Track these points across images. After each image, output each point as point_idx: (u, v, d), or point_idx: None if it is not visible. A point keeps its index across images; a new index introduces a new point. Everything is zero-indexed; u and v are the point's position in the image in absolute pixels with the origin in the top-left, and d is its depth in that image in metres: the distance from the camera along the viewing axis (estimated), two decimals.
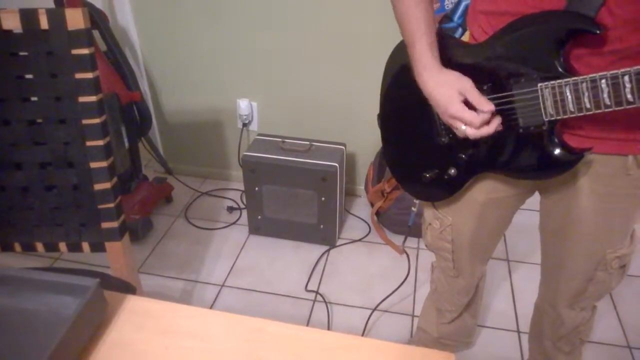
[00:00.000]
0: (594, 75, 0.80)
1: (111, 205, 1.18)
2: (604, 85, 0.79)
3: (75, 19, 1.02)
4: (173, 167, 2.69)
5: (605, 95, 0.79)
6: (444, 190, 1.13)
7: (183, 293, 2.04)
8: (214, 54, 2.34)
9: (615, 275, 1.13)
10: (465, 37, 1.08)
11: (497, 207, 1.16)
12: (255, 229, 2.30)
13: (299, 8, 2.15)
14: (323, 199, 2.13)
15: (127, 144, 2.23)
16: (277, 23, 2.21)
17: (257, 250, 2.25)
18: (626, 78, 0.76)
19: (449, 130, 1.01)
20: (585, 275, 1.13)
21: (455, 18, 1.06)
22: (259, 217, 2.26)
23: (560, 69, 0.84)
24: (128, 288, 1.21)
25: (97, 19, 2.05)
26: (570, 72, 0.84)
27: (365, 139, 2.35)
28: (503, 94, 0.91)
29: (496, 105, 0.92)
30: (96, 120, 1.10)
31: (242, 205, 2.51)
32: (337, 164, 2.08)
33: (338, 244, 2.29)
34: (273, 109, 2.45)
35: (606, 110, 0.80)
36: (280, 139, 2.21)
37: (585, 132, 0.93)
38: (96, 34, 2.07)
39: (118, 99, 2.10)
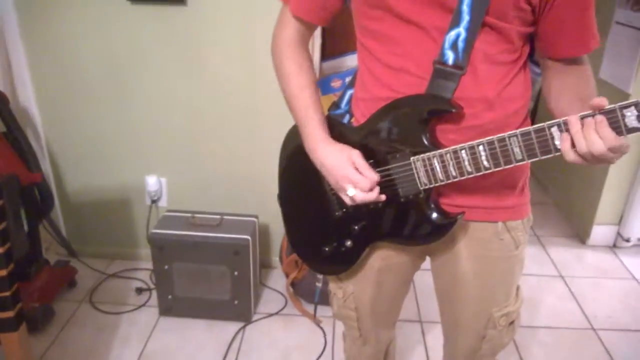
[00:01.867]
0: (455, 147, 0.92)
1: (7, 293, 1.12)
2: (464, 155, 0.91)
3: None
4: (77, 249, 2.57)
5: (467, 163, 0.92)
6: (344, 262, 1.18)
7: None
8: (120, 132, 2.33)
9: (505, 332, 1.19)
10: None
11: (392, 273, 1.22)
12: (166, 309, 2.22)
13: (203, 86, 2.21)
14: (236, 273, 2.11)
15: (26, 228, 2.12)
16: (181, 101, 2.25)
17: (168, 332, 2.16)
18: (480, 147, 0.90)
19: (342, 203, 1.08)
20: (477, 334, 1.19)
21: (342, 105, 1.17)
22: (170, 296, 2.18)
23: (427, 144, 0.96)
24: None
25: None
26: (437, 145, 0.95)
27: (277, 208, 2.37)
28: (383, 167, 1.01)
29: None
30: None
31: (151, 286, 2.42)
32: (249, 237, 2.08)
33: (254, 319, 2.25)
34: (183, 184, 2.44)
35: (469, 176, 0.93)
36: (190, 214, 2.19)
37: (459, 202, 1.04)
38: None
39: (17, 180, 2.01)
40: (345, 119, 1.15)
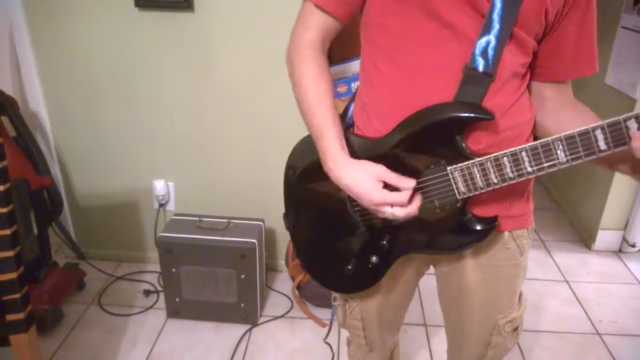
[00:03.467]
0: (497, 154, 0.91)
1: (17, 295, 1.13)
2: (506, 162, 0.91)
3: None
4: (86, 251, 2.59)
5: (509, 170, 0.91)
6: (369, 279, 1.14)
7: None
8: (128, 136, 2.35)
9: (510, 338, 1.20)
10: None
11: (398, 284, 1.22)
12: (174, 312, 2.24)
13: (210, 92, 2.23)
14: (243, 276, 2.13)
15: (36, 230, 2.14)
16: (189, 106, 2.27)
17: (175, 334, 2.18)
18: (524, 154, 0.89)
19: (366, 218, 1.06)
20: (482, 341, 1.20)
21: (347, 119, 1.13)
22: (177, 299, 2.20)
23: (464, 153, 0.94)
24: None
25: (7, 105, 2.02)
26: (473, 154, 0.94)
27: (283, 212, 2.39)
28: (417, 180, 0.97)
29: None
30: (3, 210, 1.07)
31: (159, 288, 2.44)
32: (255, 240, 2.09)
33: (260, 321, 2.26)
34: (190, 189, 2.46)
35: (511, 182, 0.92)
36: (197, 218, 2.21)
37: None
38: (5, 119, 2.04)
39: (27, 184, 2.04)
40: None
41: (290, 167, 1.18)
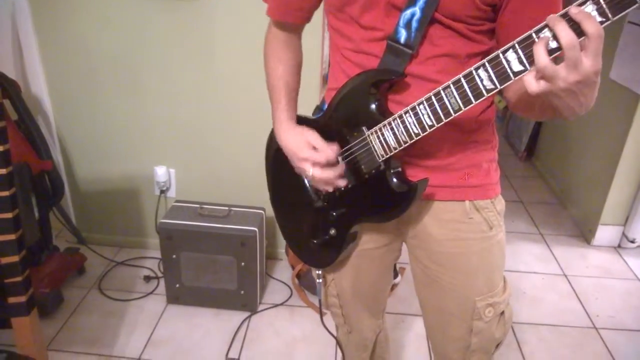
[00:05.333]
0: (400, 112, 0.93)
1: (19, 278, 1.14)
2: (409, 118, 0.92)
3: None
4: (87, 236, 2.60)
5: (412, 125, 0.92)
6: (333, 251, 1.18)
7: None
8: (130, 122, 2.35)
9: (495, 324, 1.15)
10: None
11: (368, 258, 1.23)
12: (174, 298, 2.25)
13: (212, 79, 2.23)
14: (243, 264, 2.14)
15: (37, 214, 2.15)
16: (191, 93, 2.27)
17: (175, 320, 2.20)
18: (421, 106, 0.90)
19: (319, 193, 1.12)
20: (463, 325, 1.15)
21: (325, 107, 1.18)
22: (177, 285, 2.21)
23: (378, 115, 0.97)
24: None
25: (9, 88, 2.02)
26: (387, 116, 0.96)
27: None
28: (344, 148, 1.04)
29: (342, 159, 1.05)
30: (5, 193, 1.08)
31: (159, 274, 2.45)
32: (256, 229, 2.10)
33: (259, 309, 2.27)
34: (192, 175, 2.46)
35: (417, 138, 0.93)
36: (198, 205, 2.21)
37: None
38: (7, 103, 2.03)
39: (29, 168, 2.04)
40: None
41: (266, 149, 1.27)
